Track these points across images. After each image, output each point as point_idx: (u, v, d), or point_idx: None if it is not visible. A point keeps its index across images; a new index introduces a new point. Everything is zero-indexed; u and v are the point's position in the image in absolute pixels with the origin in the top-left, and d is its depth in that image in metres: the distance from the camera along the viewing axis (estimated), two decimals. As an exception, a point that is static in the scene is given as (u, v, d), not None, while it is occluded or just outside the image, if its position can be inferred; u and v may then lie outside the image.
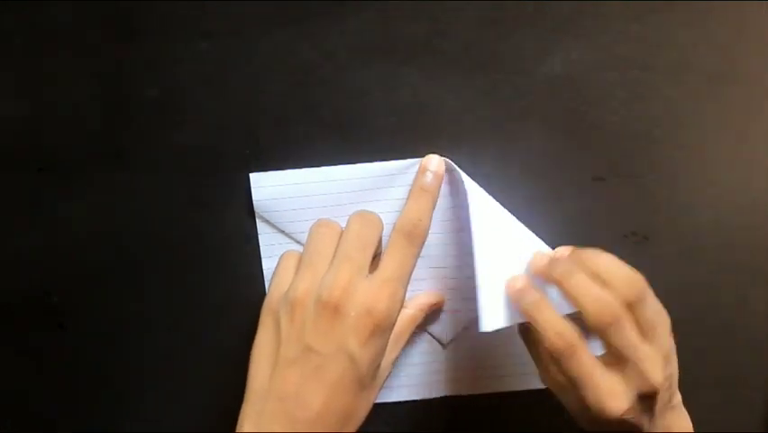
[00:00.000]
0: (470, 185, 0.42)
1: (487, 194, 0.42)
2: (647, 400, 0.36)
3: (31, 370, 0.46)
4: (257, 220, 0.42)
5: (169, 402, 0.46)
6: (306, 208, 0.42)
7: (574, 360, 0.35)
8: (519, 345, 0.46)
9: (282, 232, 0.42)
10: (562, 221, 0.43)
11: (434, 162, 0.41)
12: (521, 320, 0.39)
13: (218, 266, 0.44)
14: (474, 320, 0.45)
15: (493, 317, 0.39)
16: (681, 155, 0.43)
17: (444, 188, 0.42)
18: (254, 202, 0.42)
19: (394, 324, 0.37)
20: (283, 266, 0.39)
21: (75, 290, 0.44)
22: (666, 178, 0.43)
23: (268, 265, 0.43)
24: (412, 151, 0.42)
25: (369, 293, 0.36)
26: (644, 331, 0.36)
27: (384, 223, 0.41)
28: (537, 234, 0.42)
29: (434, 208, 0.41)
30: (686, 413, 0.40)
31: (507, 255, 0.43)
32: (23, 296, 0.44)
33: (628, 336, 0.35)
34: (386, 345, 0.37)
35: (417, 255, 0.39)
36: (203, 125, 0.41)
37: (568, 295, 0.36)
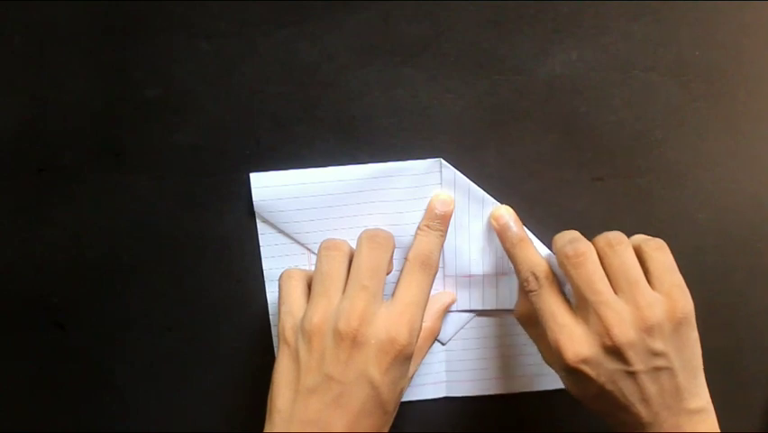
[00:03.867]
0: (464, 183, 0.42)
1: (484, 192, 0.42)
2: (616, 358, 0.35)
3: (31, 370, 0.46)
4: (257, 220, 0.42)
5: (169, 402, 0.46)
6: (306, 208, 0.42)
7: (542, 297, 0.38)
8: (519, 346, 0.46)
9: (282, 232, 0.42)
10: (562, 221, 0.43)
11: (442, 201, 0.41)
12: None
13: (218, 266, 0.44)
14: (474, 320, 0.45)
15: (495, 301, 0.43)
16: (681, 155, 0.43)
17: (436, 190, 0.42)
18: (254, 202, 0.42)
19: (414, 350, 0.37)
20: (287, 291, 0.39)
21: (75, 290, 0.44)
22: (666, 178, 0.43)
23: (268, 265, 0.43)
24: (412, 151, 0.42)
25: (389, 321, 0.36)
26: (618, 283, 0.36)
27: (384, 225, 0.41)
28: (537, 235, 0.42)
29: (443, 243, 0.41)
30: (713, 425, 0.37)
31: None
32: (23, 296, 0.44)
33: (591, 278, 0.36)
34: (407, 370, 0.37)
35: (431, 284, 0.39)
36: (203, 125, 0.41)
37: None
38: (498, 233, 0.41)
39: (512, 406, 0.47)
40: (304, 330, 0.36)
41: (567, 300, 0.38)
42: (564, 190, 0.43)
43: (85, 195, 0.42)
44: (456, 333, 0.45)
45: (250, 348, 0.46)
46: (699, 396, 0.37)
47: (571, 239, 0.38)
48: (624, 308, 0.36)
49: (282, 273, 0.40)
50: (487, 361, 0.46)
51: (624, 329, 0.35)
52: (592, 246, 0.37)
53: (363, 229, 0.40)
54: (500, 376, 0.46)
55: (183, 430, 0.47)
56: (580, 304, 0.37)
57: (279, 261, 0.43)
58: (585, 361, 0.36)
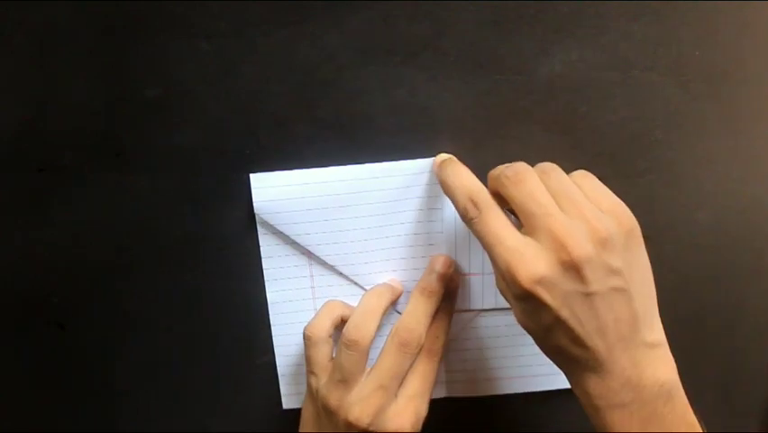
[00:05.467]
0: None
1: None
2: (573, 276, 0.33)
3: (31, 370, 0.46)
4: (257, 220, 0.42)
5: (169, 402, 0.46)
6: (307, 209, 0.42)
7: (485, 221, 0.35)
8: (519, 347, 0.46)
9: (282, 232, 0.42)
10: (562, 221, 0.43)
11: (442, 263, 0.42)
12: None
13: (218, 266, 0.44)
14: (473, 320, 0.45)
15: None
16: (681, 155, 0.43)
17: (436, 189, 0.42)
18: (254, 203, 0.42)
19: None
20: (312, 356, 0.42)
21: (75, 290, 0.44)
22: (666, 178, 0.43)
23: (268, 265, 0.43)
24: (412, 151, 0.42)
25: (395, 416, 0.40)
26: (561, 204, 0.34)
27: (384, 224, 0.41)
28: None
29: (434, 310, 0.42)
30: (670, 361, 0.35)
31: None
32: (23, 296, 0.44)
33: (534, 193, 0.34)
34: None
35: (436, 370, 0.42)
36: (203, 125, 0.41)
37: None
38: (435, 171, 0.40)
39: (512, 406, 0.47)
40: (324, 405, 0.40)
41: (512, 223, 0.35)
42: (564, 190, 0.43)
43: (85, 195, 0.42)
44: (456, 334, 0.45)
45: (250, 348, 0.46)
46: (656, 330, 0.35)
47: (506, 166, 0.36)
48: (573, 222, 0.33)
49: (305, 332, 0.42)
50: (487, 361, 0.46)
51: (579, 241, 0.32)
52: (530, 167, 0.36)
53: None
54: (500, 376, 0.46)
55: (183, 430, 0.47)
56: (527, 222, 0.34)
57: (279, 261, 0.43)
58: (540, 281, 0.32)
